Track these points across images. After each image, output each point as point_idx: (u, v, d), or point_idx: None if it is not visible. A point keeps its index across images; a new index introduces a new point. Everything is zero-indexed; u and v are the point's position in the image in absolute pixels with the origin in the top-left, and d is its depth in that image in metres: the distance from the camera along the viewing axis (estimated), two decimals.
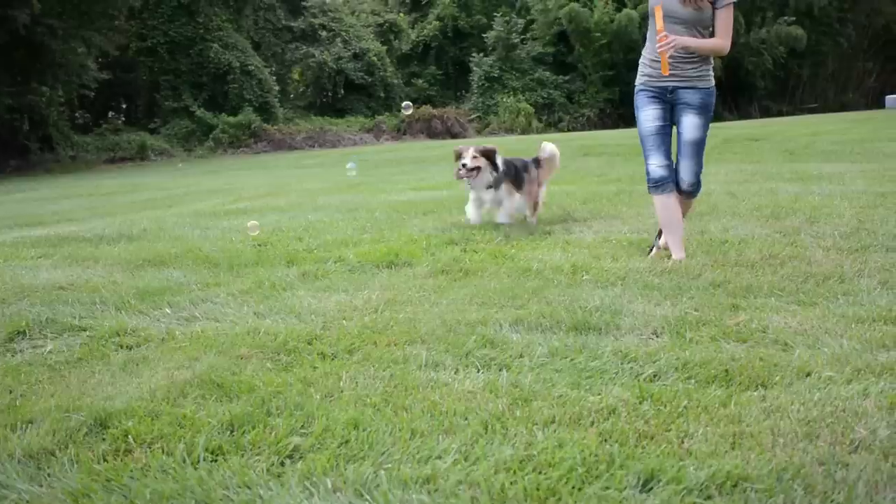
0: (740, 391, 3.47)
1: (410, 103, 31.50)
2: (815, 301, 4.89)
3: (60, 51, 33.45)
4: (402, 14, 60.26)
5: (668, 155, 6.21)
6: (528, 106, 50.99)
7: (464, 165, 8.17)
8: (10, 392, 3.84)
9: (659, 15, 5.95)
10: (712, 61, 6.05)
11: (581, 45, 52.33)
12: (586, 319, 4.59)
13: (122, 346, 4.60)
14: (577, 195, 10.64)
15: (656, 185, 6.22)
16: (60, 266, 7.48)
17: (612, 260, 6.38)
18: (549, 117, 51.80)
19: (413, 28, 58.93)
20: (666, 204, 6.25)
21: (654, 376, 3.69)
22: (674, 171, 6.25)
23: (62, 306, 5.60)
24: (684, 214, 6.39)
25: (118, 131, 42.02)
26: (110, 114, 46.80)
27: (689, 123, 6.02)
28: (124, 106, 47.96)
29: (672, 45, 5.80)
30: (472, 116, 51.34)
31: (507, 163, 8.35)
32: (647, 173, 6.25)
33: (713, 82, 6.08)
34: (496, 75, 53.29)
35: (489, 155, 8.21)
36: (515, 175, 8.35)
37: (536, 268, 6.18)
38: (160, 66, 43.43)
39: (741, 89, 57.47)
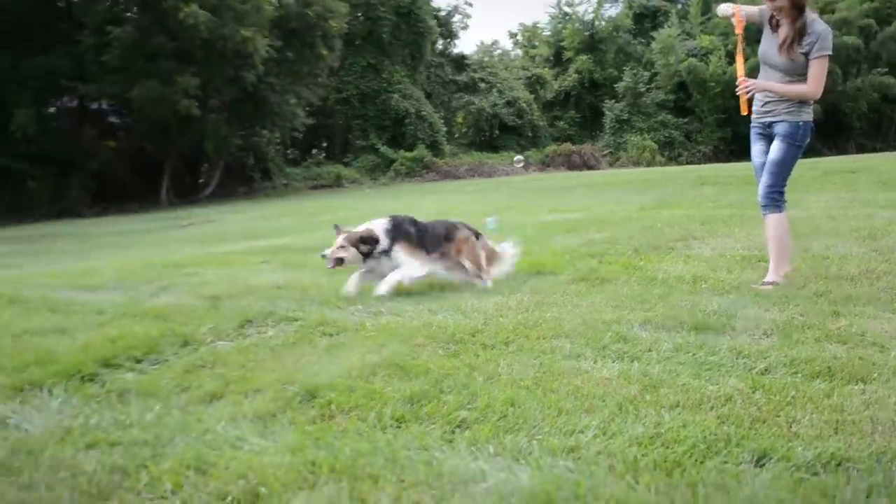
0: (842, 385, 3.32)
1: (522, 157, 31.15)
2: None
3: (277, 102, 34.73)
4: (546, 69, 60.14)
5: None
6: (653, 143, 50.13)
7: (323, 256, 6.15)
8: (243, 367, 3.99)
9: (740, 62, 5.84)
10: (810, 102, 5.66)
11: (698, 93, 51.10)
12: (705, 321, 4.47)
13: (325, 334, 4.71)
14: (696, 217, 10.34)
15: (763, 208, 5.91)
16: (278, 270, 7.73)
17: (728, 272, 6.18)
18: (670, 153, 50.71)
19: (556, 80, 58.73)
20: (768, 224, 5.91)
21: (765, 370, 3.56)
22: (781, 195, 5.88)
23: (279, 301, 5.78)
24: (769, 236, 5.82)
25: (320, 164, 43.29)
26: (314, 150, 48.22)
27: (773, 147, 5.69)
28: (325, 144, 49.31)
29: (748, 89, 5.63)
30: (605, 152, 50.82)
31: (416, 225, 6.33)
32: (759, 198, 5.94)
33: (805, 118, 5.65)
34: (625, 118, 52.62)
35: (357, 242, 6.12)
36: (420, 238, 6.20)
37: (662, 277, 6.04)
38: (352, 113, 44.55)
39: (839, 129, 55.03)
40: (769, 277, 5.73)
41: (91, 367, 4.05)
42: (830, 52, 5.50)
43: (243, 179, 38.13)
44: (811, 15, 5.49)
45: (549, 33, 63.73)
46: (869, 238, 7.71)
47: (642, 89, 53.41)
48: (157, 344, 4.52)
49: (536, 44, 64.77)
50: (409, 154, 43.17)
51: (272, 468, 2.61)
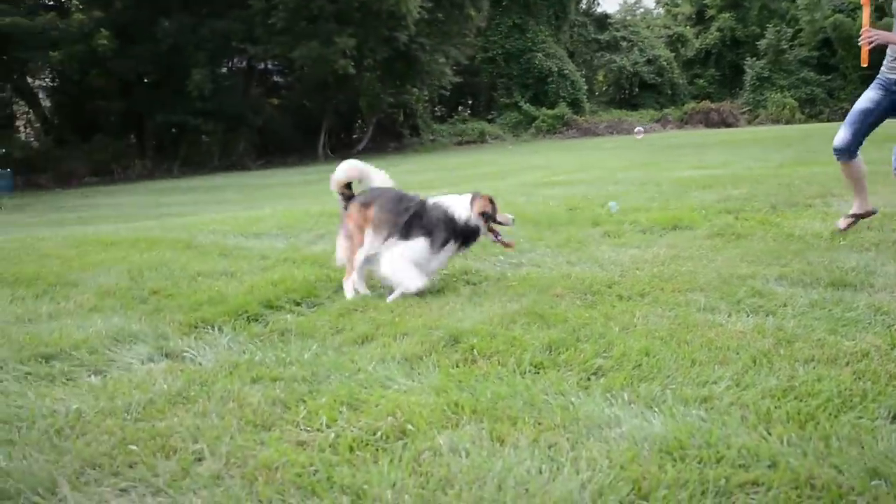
0: None
1: (642, 129, 29.97)
2: None
3: (427, 61, 34.95)
4: (688, 27, 57.86)
5: (854, 133, 5.49)
6: (793, 101, 47.69)
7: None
8: (392, 312, 4.08)
9: (867, 13, 5.37)
10: None
11: (843, 49, 47.80)
12: (843, 278, 4.24)
13: (468, 283, 4.76)
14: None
15: (835, 153, 5.61)
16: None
17: (868, 229, 5.82)
18: (811, 110, 48.06)
19: (697, 38, 56.49)
20: (844, 169, 5.69)
21: None
22: (851, 146, 5.52)
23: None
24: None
25: (465, 121, 43.46)
26: (460, 108, 48.38)
27: None
28: (470, 102, 49.36)
29: (871, 39, 5.16)
30: (744, 109, 48.72)
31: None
32: (834, 141, 5.62)
33: None
34: (766, 75, 50.20)
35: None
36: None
37: (799, 234, 5.77)
38: (497, 72, 44.38)
39: None
40: (865, 208, 5.67)
41: (256, 308, 4.24)
42: None
43: (394, 135, 38.78)
44: None
45: None
46: None
47: (785, 46, 50.70)
48: (314, 288, 4.69)
49: (679, 2, 62.26)
50: (550, 111, 42.74)
51: (418, 407, 2.67)
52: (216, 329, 3.91)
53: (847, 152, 5.57)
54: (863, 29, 5.32)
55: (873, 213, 5.73)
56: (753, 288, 4.11)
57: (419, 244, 4.42)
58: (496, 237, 4.69)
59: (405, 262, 4.40)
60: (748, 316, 3.65)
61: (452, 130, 41.19)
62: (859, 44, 5.33)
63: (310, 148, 34.02)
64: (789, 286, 4.19)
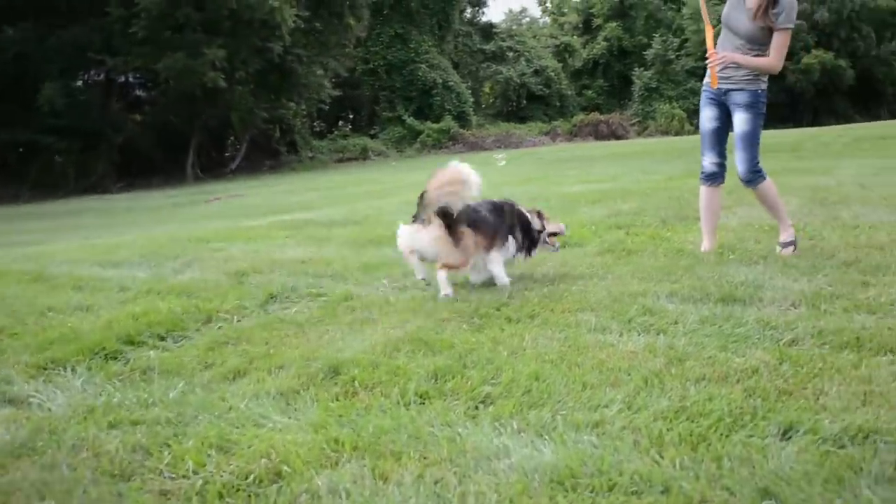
0: (871, 356, 3.27)
1: (503, 156, 30.64)
2: None
3: (304, 74, 34.71)
4: (575, 36, 59.64)
5: (720, 154, 5.85)
6: (682, 111, 49.72)
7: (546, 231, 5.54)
8: (266, 343, 4.01)
9: (709, 35, 5.75)
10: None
11: None
12: (732, 292, 4.42)
13: (349, 309, 4.71)
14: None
15: (707, 178, 5.90)
16: (302, 244, 7.75)
17: (756, 242, 6.13)
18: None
19: (584, 48, 58.27)
20: (710, 196, 5.93)
21: (792, 342, 3.52)
22: (725, 168, 5.89)
23: (304, 277, 5.81)
24: (766, 204, 5.90)
25: (346, 137, 43.33)
26: (340, 123, 48.23)
27: (738, 119, 5.62)
28: (351, 116, 49.31)
29: (720, 62, 5.57)
30: (634, 121, 50.45)
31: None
32: (702, 167, 5.92)
33: (763, 86, 5.61)
34: (654, 86, 52.30)
35: None
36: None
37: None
38: (379, 84, 44.50)
39: (872, 95, 54.28)
40: (786, 237, 5.79)
41: (114, 344, 4.09)
42: (793, 25, 5.46)
43: (269, 153, 38.26)
44: None
45: (578, 0, 63.08)
46: None
47: (672, 56, 52.94)
48: (180, 320, 4.56)
49: (565, 11, 64.24)
50: (435, 125, 43.09)
51: (294, 446, 2.62)
52: (68, 370, 3.74)
53: (721, 175, 5.90)
54: (708, 51, 5.69)
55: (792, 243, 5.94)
56: (644, 306, 4.24)
57: (512, 246, 5.22)
58: (555, 247, 5.64)
59: (502, 261, 5.13)
60: (639, 335, 3.76)
61: (333, 147, 41.02)
62: (708, 66, 5.70)
63: (177, 168, 33.12)
64: (680, 303, 4.34)
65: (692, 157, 18.77)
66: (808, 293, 4.34)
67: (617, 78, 57.45)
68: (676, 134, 46.62)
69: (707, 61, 5.72)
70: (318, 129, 45.31)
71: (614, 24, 57.24)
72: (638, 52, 55.49)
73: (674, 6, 57.63)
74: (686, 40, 53.87)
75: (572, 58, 57.84)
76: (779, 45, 5.43)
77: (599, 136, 46.42)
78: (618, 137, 45.96)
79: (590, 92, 56.54)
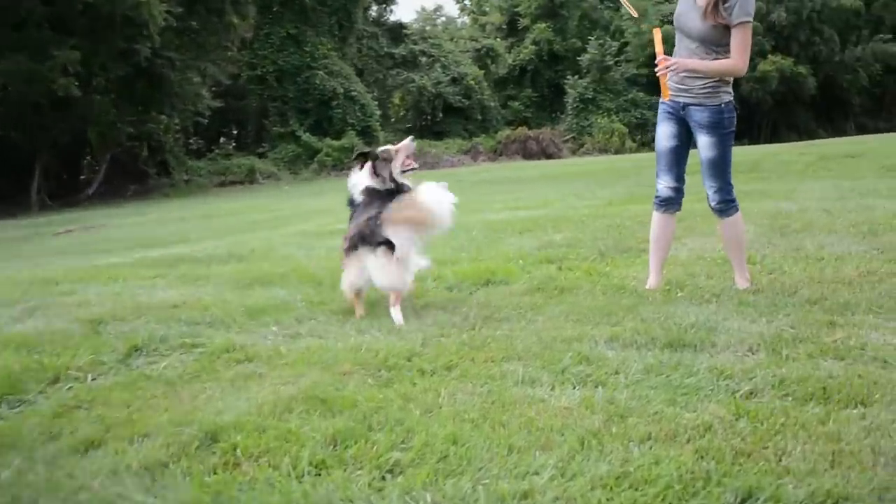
0: (839, 409, 3.36)
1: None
2: None
3: (178, 81, 34.37)
4: (498, 39, 60.50)
5: (678, 177, 5.94)
6: (622, 126, 50.78)
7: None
8: (128, 406, 3.90)
9: (658, 38, 5.77)
10: (730, 80, 5.69)
11: None
12: (681, 336, 4.51)
13: (231, 362, 4.64)
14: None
15: (662, 204, 5.99)
16: (175, 285, 7.62)
17: (707, 277, 6.26)
18: (643, 137, 51.34)
19: (510, 52, 59.13)
20: (663, 224, 6.04)
21: (751, 393, 3.60)
22: (682, 193, 5.99)
23: (176, 324, 5.70)
24: (729, 239, 5.97)
25: (229, 156, 42.93)
26: (222, 139, 47.88)
27: (702, 143, 5.70)
28: (235, 132, 49.01)
29: (671, 68, 5.62)
30: (567, 137, 51.29)
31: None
32: (657, 191, 6.01)
33: (727, 98, 5.66)
34: (590, 97, 53.22)
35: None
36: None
37: (632, 285, 6.10)
38: (269, 94, 44.31)
39: (837, 106, 56.39)
40: (742, 284, 5.89)
41: None
42: (752, 18, 5.49)
43: (135, 175, 37.61)
44: None
45: None
46: (870, 234, 7.88)
47: (610, 63, 54.06)
48: (19, 381, 4.40)
49: (487, 9, 65.19)
50: (336, 142, 43.02)
51: None
52: None
53: (677, 201, 6.00)
54: (658, 57, 5.70)
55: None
56: (580, 353, 4.28)
57: None
58: None
59: None
60: (574, 388, 3.79)
61: (213, 168, 40.58)
62: (657, 75, 5.74)
63: (19, 194, 32.16)
64: (621, 349, 4.40)
65: (635, 179, 19.22)
66: (767, 336, 4.45)
67: (547, 87, 58.40)
68: (616, 152, 47.60)
69: (656, 70, 5.72)
70: (194, 146, 44.85)
71: (543, 25, 58.22)
72: (571, 57, 56.55)
73: (611, 5, 59.05)
74: (626, 44, 55.19)
75: (496, 64, 58.65)
76: (739, 42, 5.46)
77: (528, 155, 47.08)
78: (549, 156, 46.70)
79: (516, 104, 57.32)
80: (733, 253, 5.99)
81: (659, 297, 5.66)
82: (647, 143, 50.09)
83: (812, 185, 13.88)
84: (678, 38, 5.77)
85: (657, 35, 5.79)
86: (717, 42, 5.54)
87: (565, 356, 4.23)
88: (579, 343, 4.50)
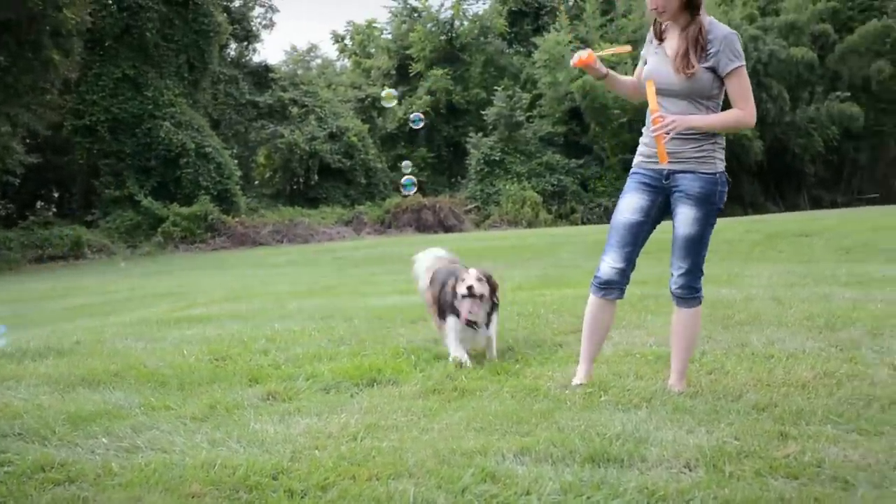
0: None
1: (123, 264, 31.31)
2: (881, 430, 4.86)
3: None
4: (386, 87, 60.94)
5: (629, 259, 6.03)
6: (535, 194, 51.22)
7: (469, 289, 7.17)
8: None
9: (651, 91, 5.77)
10: (722, 140, 5.84)
11: (597, 125, 52.66)
12: (605, 449, 4.57)
13: (47, 484, 4.53)
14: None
15: (601, 287, 6.10)
16: None
17: (636, 378, 6.36)
18: (560, 207, 52.02)
19: (400, 104, 59.49)
20: (600, 310, 6.18)
21: None
22: (628, 278, 6.11)
23: None
24: (681, 333, 6.07)
25: (48, 224, 42.01)
26: (39, 204, 47.04)
27: (684, 216, 5.79)
28: (56, 195, 48.23)
29: (672, 127, 5.57)
30: (470, 206, 51.50)
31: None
32: (597, 269, 6.11)
33: (721, 167, 5.81)
34: (497, 158, 53.63)
35: (492, 283, 7.47)
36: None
37: (546, 387, 6.17)
38: (100, 148, 43.66)
39: (788, 176, 57.85)
40: (678, 386, 6.02)
41: None
42: (744, 61, 5.66)
43: None
44: (706, 17, 5.68)
45: (389, 36, 64.72)
46: (826, 329, 8.13)
47: (520, 118, 54.66)
48: None
49: (372, 51, 65.74)
50: (185, 210, 42.63)
51: None
52: None
53: (620, 287, 6.11)
54: (653, 115, 5.70)
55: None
56: (484, 469, 4.30)
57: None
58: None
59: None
60: None
61: (28, 239, 39.70)
62: (653, 135, 5.71)
63: None
64: (534, 464, 4.44)
65: (550, 259, 19.53)
66: (707, 449, 4.53)
67: (446, 146, 58.96)
68: (529, 225, 48.08)
69: (651, 130, 5.72)
70: (2, 213, 43.94)
71: (441, 71, 58.73)
72: (474, 111, 57.15)
73: (522, 49, 60.15)
74: (539, 96, 56.04)
75: (383, 117, 59.05)
76: (738, 91, 5.61)
77: (423, 227, 47.22)
78: (448, 229, 46.92)
79: (411, 164, 57.60)
80: (680, 351, 6.08)
81: (579, 401, 5.74)
82: (565, 216, 50.82)
83: (759, 269, 14.25)
84: (658, 101, 5.75)
85: (650, 88, 5.78)
86: (706, 94, 5.70)
87: (466, 473, 4.26)
88: (483, 457, 4.53)
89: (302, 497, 4.11)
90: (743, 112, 5.66)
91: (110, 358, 8.41)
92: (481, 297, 7.16)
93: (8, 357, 8.96)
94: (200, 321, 11.46)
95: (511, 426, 5.15)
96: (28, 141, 37.46)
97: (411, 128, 56.72)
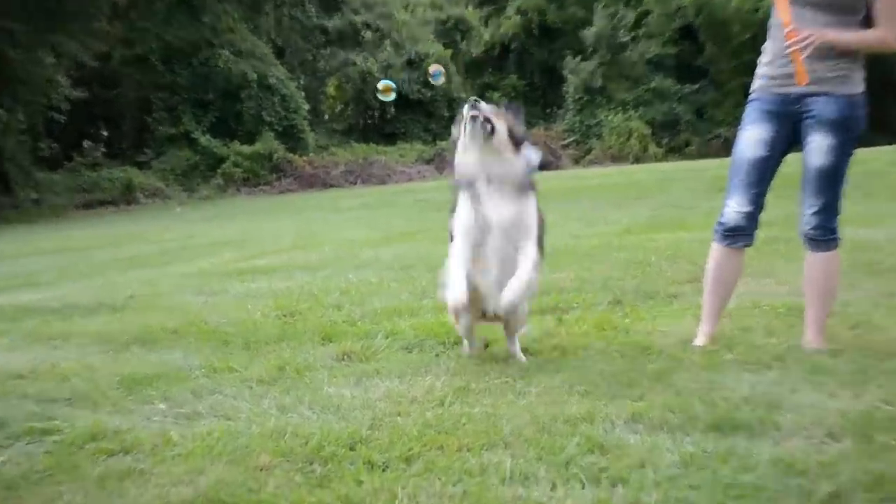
0: None
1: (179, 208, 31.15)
2: None
3: (21, 62, 34.05)
4: (471, 8, 60.59)
5: (755, 201, 5.92)
6: (643, 125, 50.75)
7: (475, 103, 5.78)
8: None
9: (783, 2, 5.65)
10: (862, 59, 5.65)
11: (714, 44, 51.83)
12: (731, 415, 4.49)
13: (99, 455, 4.56)
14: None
15: (726, 234, 6.01)
16: (19, 347, 7.54)
17: (766, 333, 6.27)
18: (672, 140, 51.46)
19: (486, 26, 59.17)
20: (725, 261, 6.09)
21: (834, 497, 3.55)
22: (756, 223, 5.99)
23: (19, 401, 5.61)
24: (815, 280, 5.98)
25: (97, 166, 42.52)
26: (86, 144, 47.46)
27: (817, 145, 5.64)
28: (105, 133, 48.65)
29: (809, 42, 5.46)
30: (568, 140, 51.27)
31: None
32: (721, 214, 6.03)
33: (861, 87, 5.65)
34: (598, 85, 53.25)
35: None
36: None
37: (660, 344, 6.11)
38: (152, 81, 44.05)
39: None
40: (815, 342, 5.89)
41: None
42: None
43: None
44: None
45: None
46: None
47: (624, 39, 54.16)
48: None
49: None
50: (248, 148, 42.90)
51: None
52: None
53: (748, 233, 5.99)
54: (787, 29, 5.59)
55: None
56: (591, 438, 4.24)
57: None
58: None
59: None
60: (584, 488, 3.74)
61: (74, 183, 40.28)
62: (786, 53, 5.61)
63: None
64: (647, 432, 4.36)
65: (662, 198, 19.28)
66: (853, 416, 4.42)
67: (539, 72, 58.56)
68: (636, 160, 47.67)
69: (785, 45, 5.59)
70: (46, 153, 44.45)
71: None
72: (571, 32, 56.68)
73: None
74: (646, 13, 55.34)
75: (468, 41, 58.77)
76: (889, 8, 5.46)
77: None
78: (543, 167, 46.70)
79: (497, 94, 57.29)
80: (815, 303, 5.97)
81: (699, 360, 5.65)
82: (678, 149, 50.18)
83: None
84: (796, 12, 5.62)
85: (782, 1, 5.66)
86: (851, 6, 5.54)
87: (570, 443, 4.20)
88: (589, 424, 4.48)
89: (383, 470, 4.07)
90: (887, 33, 5.50)
91: (167, 314, 8.48)
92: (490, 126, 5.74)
93: (56, 313, 9.08)
94: (266, 272, 11.52)
95: (620, 389, 5.08)
96: (74, 74, 37.76)
97: (499, 53, 56.50)
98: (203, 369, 6.13)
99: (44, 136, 43.62)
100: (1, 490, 4.16)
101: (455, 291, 5.60)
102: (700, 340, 6.04)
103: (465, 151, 5.90)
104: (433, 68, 7.08)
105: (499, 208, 5.68)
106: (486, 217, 5.69)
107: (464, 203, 5.88)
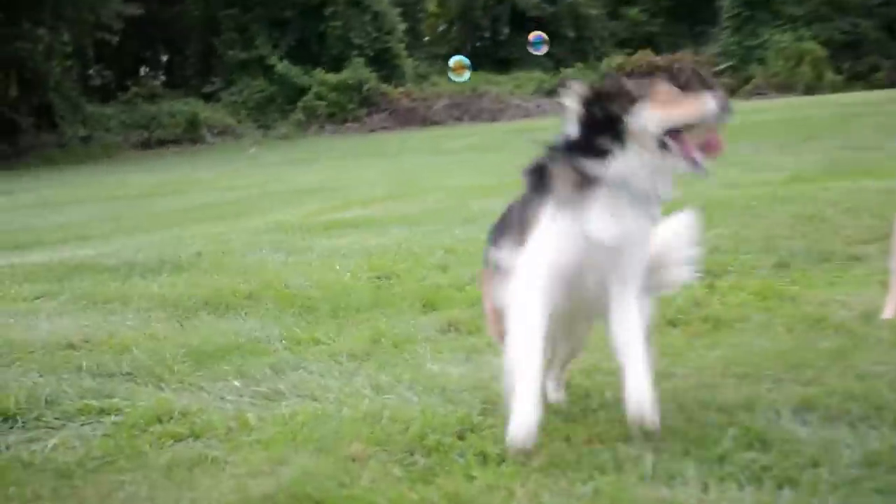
0: None
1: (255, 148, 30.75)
2: None
3: None
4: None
5: None
6: (818, 46, 49.98)
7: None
8: None
9: None
10: None
11: None
12: None
13: (165, 440, 4.66)
14: None
15: None
16: (69, 311, 7.67)
17: None
18: (855, 64, 50.63)
19: None
20: None
21: None
22: None
23: (72, 375, 5.72)
24: None
25: (155, 98, 42.85)
26: (143, 70, 47.99)
27: None
28: (164, 58, 49.18)
29: None
30: (723, 66, 50.67)
31: None
32: None
33: None
34: (760, 0, 52.52)
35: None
36: None
37: (836, 317, 6.06)
38: None
39: None
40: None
41: None
42: None
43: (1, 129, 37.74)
44: None
45: None
46: None
47: None
48: None
49: None
50: (334, 77, 42.93)
51: None
52: None
53: None
54: None
55: None
56: (750, 431, 4.24)
57: None
58: None
59: None
60: (742, 489, 3.75)
61: (130, 118, 40.73)
62: None
63: None
64: (821, 425, 4.34)
65: (840, 138, 19.08)
66: None
67: None
68: (809, 91, 47.02)
69: None
70: (97, 82, 45.01)
71: None
72: None
73: None
74: None
75: None
76: None
77: None
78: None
79: (634, 11, 57.00)
80: None
81: (887, 336, 5.60)
82: (863, 76, 49.33)
83: None
84: None
85: None
86: None
87: (724, 435, 4.20)
88: (748, 413, 4.47)
89: (498, 464, 4.10)
90: None
91: (240, 275, 8.58)
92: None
93: (111, 271, 9.21)
94: (357, 226, 11.59)
95: (787, 371, 5.06)
96: None
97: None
98: (284, 341, 6.21)
99: (93, 61, 44.12)
100: (53, 478, 4.24)
101: (522, 423, 4.19)
102: (888, 313, 5.95)
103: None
104: (533, 35, 6.88)
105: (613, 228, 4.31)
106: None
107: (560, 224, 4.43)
